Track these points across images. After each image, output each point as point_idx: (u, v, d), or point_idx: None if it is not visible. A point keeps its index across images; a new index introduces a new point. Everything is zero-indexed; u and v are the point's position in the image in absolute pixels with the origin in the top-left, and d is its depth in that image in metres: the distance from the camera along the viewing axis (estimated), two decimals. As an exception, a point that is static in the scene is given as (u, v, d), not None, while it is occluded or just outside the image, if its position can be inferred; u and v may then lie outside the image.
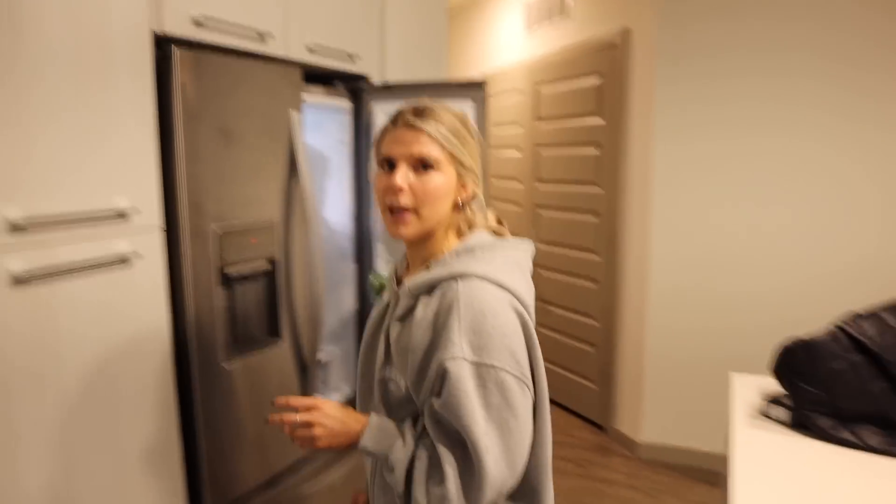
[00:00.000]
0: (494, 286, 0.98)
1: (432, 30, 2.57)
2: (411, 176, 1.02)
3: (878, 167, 2.75)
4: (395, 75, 2.28)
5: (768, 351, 1.77)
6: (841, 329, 1.62)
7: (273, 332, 1.77)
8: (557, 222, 3.89)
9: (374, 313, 1.18)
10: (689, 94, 3.02)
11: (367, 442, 1.00)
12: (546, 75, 3.91)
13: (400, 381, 1.02)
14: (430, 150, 1.03)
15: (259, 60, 1.66)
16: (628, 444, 3.41)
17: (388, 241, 2.19)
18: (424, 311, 1.00)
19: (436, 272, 1.02)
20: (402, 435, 1.00)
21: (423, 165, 1.02)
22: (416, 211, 1.03)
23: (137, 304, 1.39)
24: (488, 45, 4.84)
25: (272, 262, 1.72)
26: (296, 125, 1.73)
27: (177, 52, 1.40)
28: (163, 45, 1.42)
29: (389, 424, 1.03)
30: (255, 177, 1.65)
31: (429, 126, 1.03)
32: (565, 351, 3.89)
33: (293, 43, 1.83)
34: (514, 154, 4.32)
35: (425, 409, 0.98)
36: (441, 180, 1.03)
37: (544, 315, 4.08)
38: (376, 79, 2.24)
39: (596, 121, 3.51)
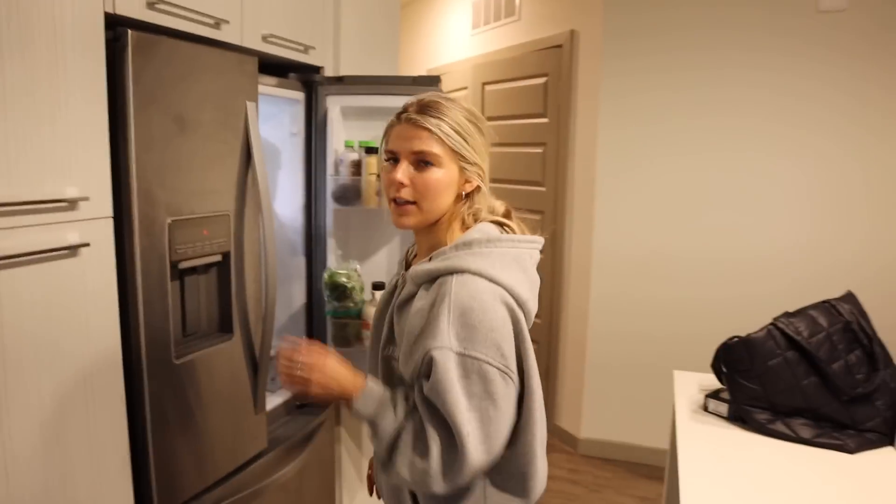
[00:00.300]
0: (487, 281, 1.03)
1: (385, 24, 2.56)
2: (412, 171, 1.09)
3: (815, 165, 2.89)
4: (349, 68, 2.26)
5: (706, 349, 1.85)
6: (776, 327, 1.71)
7: (225, 327, 1.73)
8: (502, 221, 3.94)
9: (383, 294, 1.25)
10: (632, 97, 3.11)
11: (359, 406, 1.07)
12: (492, 75, 3.95)
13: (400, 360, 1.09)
14: (430, 147, 1.07)
15: (214, 48, 1.62)
16: (569, 439, 3.49)
17: (339, 237, 2.17)
18: (422, 300, 1.07)
19: (435, 264, 1.08)
20: (394, 407, 1.06)
21: (422, 161, 1.08)
22: (417, 204, 1.09)
23: (86, 296, 1.33)
24: (435, 42, 4.85)
25: (224, 254, 1.68)
26: (252, 116, 1.70)
27: (131, 35, 1.35)
28: (115, 27, 1.37)
29: (384, 394, 1.08)
30: (209, 167, 1.61)
31: (429, 122, 1.07)
32: (507, 348, 3.95)
33: (248, 31, 1.79)
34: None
35: (416, 390, 1.05)
36: (440, 175, 1.09)
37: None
38: (330, 71, 2.22)
39: (541, 121, 3.57)
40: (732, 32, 2.91)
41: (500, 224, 1.17)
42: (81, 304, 1.33)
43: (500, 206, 1.21)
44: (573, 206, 3.40)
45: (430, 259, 1.10)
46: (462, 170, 1.11)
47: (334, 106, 2.10)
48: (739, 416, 1.71)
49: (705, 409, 1.80)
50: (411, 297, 1.11)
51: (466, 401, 0.99)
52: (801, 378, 1.65)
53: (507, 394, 1.02)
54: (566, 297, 3.49)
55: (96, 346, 1.37)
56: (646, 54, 3.06)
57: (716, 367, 1.80)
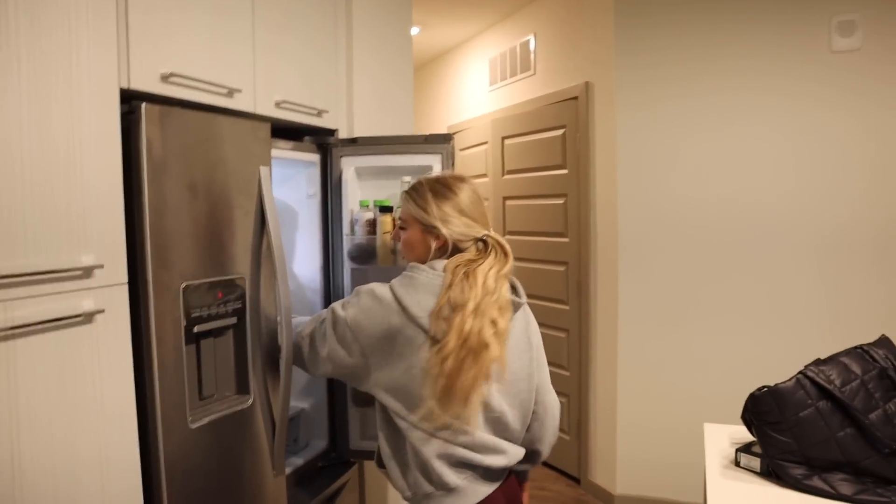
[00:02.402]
0: (387, 290, 1.44)
1: (398, 84, 2.62)
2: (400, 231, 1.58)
3: (830, 206, 2.83)
4: (363, 129, 2.31)
5: (738, 399, 1.79)
6: (806, 376, 1.64)
7: (242, 389, 1.72)
8: (526, 272, 3.92)
9: None
10: (649, 143, 3.11)
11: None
12: (511, 129, 4.00)
13: None
14: (402, 215, 1.57)
15: (228, 116, 1.67)
16: (605, 497, 3.37)
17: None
18: None
19: None
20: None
21: (400, 226, 1.57)
22: (403, 253, 1.59)
23: (100, 362, 1.34)
24: (454, 99, 4.94)
25: (240, 317, 1.69)
26: (265, 180, 1.73)
27: (144, 108, 1.40)
28: (130, 101, 1.42)
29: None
30: (223, 231, 1.63)
31: (403, 196, 1.57)
32: (537, 402, 3.86)
33: (261, 98, 1.84)
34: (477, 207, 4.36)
35: None
36: (406, 235, 1.54)
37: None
38: (344, 133, 2.26)
39: (561, 172, 3.58)
40: (744, 78, 2.91)
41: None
42: (96, 370, 1.34)
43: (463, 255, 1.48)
44: (597, 256, 3.37)
45: None
46: (423, 231, 1.50)
47: (349, 167, 2.14)
48: (773, 472, 1.63)
49: (737, 463, 1.72)
50: None
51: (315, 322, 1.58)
52: (836, 430, 1.57)
53: (330, 340, 1.50)
54: (594, 350, 3.42)
55: (111, 412, 1.37)
56: (660, 101, 3.07)
57: (746, 419, 1.73)
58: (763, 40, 2.88)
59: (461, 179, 1.54)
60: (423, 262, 1.48)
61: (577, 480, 3.63)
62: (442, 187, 1.50)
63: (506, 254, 1.47)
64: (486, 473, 1.43)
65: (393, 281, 1.46)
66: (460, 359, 1.32)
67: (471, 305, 1.35)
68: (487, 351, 1.34)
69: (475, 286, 1.38)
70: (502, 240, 1.50)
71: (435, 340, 1.35)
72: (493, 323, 1.36)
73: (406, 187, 1.98)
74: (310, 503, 1.97)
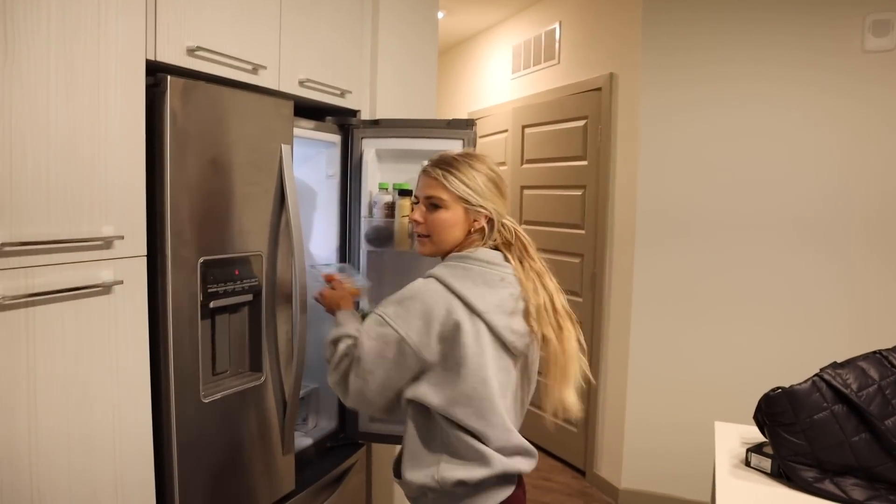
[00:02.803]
0: (441, 286, 1.32)
1: (422, 68, 2.60)
2: (426, 212, 1.43)
3: (859, 209, 2.80)
4: (385, 112, 2.30)
5: (750, 399, 1.77)
6: (822, 379, 1.62)
7: (255, 366, 1.73)
8: (541, 263, 3.90)
9: None
10: (672, 138, 3.07)
11: (338, 318, 1.53)
12: (532, 118, 3.97)
13: None
14: (439, 193, 1.40)
15: (251, 92, 1.67)
16: (610, 490, 3.37)
17: (372, 278, 2.17)
18: None
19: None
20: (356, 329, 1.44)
21: (433, 204, 1.41)
22: (430, 237, 1.43)
23: (117, 332, 1.35)
24: (476, 86, 4.91)
25: (256, 294, 1.70)
26: (286, 159, 1.73)
27: (170, 81, 1.40)
28: (155, 73, 1.42)
29: (352, 317, 1.53)
30: (243, 208, 1.64)
31: (437, 173, 1.40)
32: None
33: (285, 76, 1.84)
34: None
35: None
36: (446, 216, 1.40)
37: (526, 356, 4.05)
38: (366, 114, 2.25)
39: (581, 163, 3.55)
40: (774, 76, 2.87)
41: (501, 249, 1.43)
42: (112, 341, 1.35)
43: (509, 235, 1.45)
44: (612, 249, 3.35)
45: None
46: (467, 211, 1.40)
47: (369, 149, 2.13)
48: (784, 473, 1.62)
49: (747, 463, 1.71)
50: None
51: (368, 342, 1.35)
52: (851, 434, 1.55)
53: (388, 351, 1.33)
54: (605, 342, 3.41)
55: (126, 382, 1.38)
56: (685, 96, 3.03)
57: (758, 420, 1.72)
58: (794, 37, 2.83)
59: (485, 156, 1.49)
60: (457, 247, 1.42)
61: (582, 473, 3.63)
62: (477, 162, 1.43)
63: (524, 243, 1.47)
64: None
65: (449, 277, 1.33)
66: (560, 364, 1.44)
67: (558, 304, 1.43)
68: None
69: (548, 284, 1.43)
70: (520, 229, 1.48)
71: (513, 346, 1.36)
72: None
73: None
74: (317, 483, 1.99)
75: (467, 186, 1.38)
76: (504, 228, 1.43)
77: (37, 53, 1.17)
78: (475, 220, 1.41)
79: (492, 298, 1.32)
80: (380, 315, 1.34)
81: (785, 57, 2.85)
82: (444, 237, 1.41)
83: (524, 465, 1.40)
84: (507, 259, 1.41)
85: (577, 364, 1.45)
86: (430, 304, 1.30)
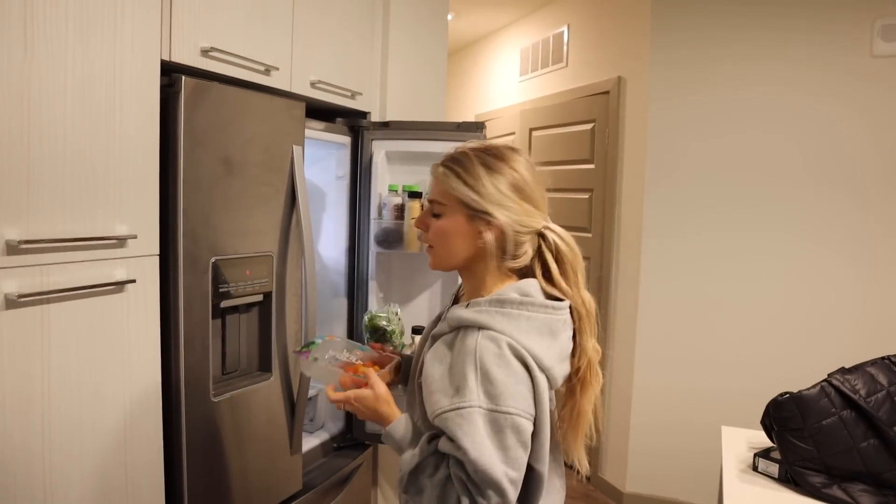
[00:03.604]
0: (504, 342, 1.02)
1: (432, 71, 2.61)
2: (431, 218, 1.14)
3: (871, 213, 2.79)
4: (395, 114, 2.30)
5: (756, 403, 1.77)
6: (831, 384, 1.62)
7: (264, 366, 1.74)
8: (547, 266, 3.90)
9: (430, 323, 1.26)
10: (680, 142, 3.07)
11: (390, 432, 1.12)
12: (540, 121, 3.97)
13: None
14: (437, 196, 1.12)
15: (263, 93, 1.68)
16: (614, 494, 3.37)
17: (381, 280, 2.18)
18: (451, 344, 1.08)
19: (469, 314, 1.07)
20: (418, 444, 1.07)
21: (434, 210, 1.13)
22: (431, 248, 1.15)
23: (129, 331, 1.36)
24: (483, 88, 4.92)
25: (266, 294, 1.71)
26: (298, 160, 1.74)
27: (184, 81, 1.41)
28: (170, 74, 1.43)
29: (409, 430, 1.12)
30: (254, 208, 1.65)
31: (438, 169, 1.12)
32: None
33: (297, 78, 1.85)
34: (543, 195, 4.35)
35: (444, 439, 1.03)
36: (443, 223, 1.12)
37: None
38: (376, 116, 2.26)
39: (588, 166, 3.56)
40: (782, 80, 2.86)
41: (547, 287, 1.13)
42: (125, 339, 1.36)
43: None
44: (619, 252, 3.35)
45: (467, 306, 1.09)
46: (471, 218, 1.09)
47: (379, 150, 2.14)
48: (792, 478, 1.62)
49: (755, 468, 1.71)
50: (443, 334, 1.11)
51: (502, 454, 0.99)
52: (860, 440, 1.55)
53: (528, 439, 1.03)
54: (611, 346, 3.41)
55: (137, 379, 1.39)
56: (693, 100, 3.03)
57: (765, 424, 1.72)
58: (803, 42, 2.82)
59: (514, 150, 1.15)
60: (464, 261, 1.13)
61: (586, 476, 3.63)
62: (494, 159, 1.11)
63: (573, 252, 1.14)
64: None
65: (516, 333, 1.04)
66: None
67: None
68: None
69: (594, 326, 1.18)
70: (565, 233, 1.16)
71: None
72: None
73: None
74: (324, 483, 1.99)
75: (468, 186, 1.08)
76: (544, 241, 1.13)
77: (55, 53, 1.18)
78: (481, 231, 1.09)
79: (556, 349, 1.09)
80: (485, 412, 1.00)
81: (793, 62, 2.85)
82: (445, 249, 1.13)
83: None
84: (552, 290, 1.12)
85: (589, 420, 1.20)
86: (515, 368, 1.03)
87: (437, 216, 1.13)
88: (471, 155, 1.11)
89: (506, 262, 1.12)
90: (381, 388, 1.14)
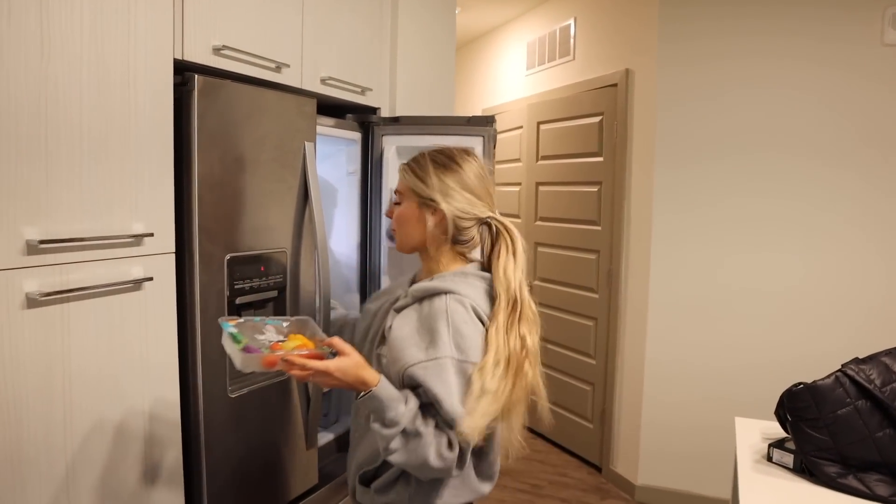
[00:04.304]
0: (468, 304, 1.24)
1: (441, 65, 2.61)
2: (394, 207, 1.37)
3: (873, 210, 2.78)
4: (405, 109, 2.31)
5: (767, 393, 1.77)
6: (845, 374, 1.62)
7: (279, 361, 1.75)
8: (556, 260, 3.91)
9: (380, 300, 1.47)
10: (688, 135, 3.06)
11: (378, 393, 1.16)
12: (547, 114, 3.97)
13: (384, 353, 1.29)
14: (398, 188, 1.37)
15: (275, 90, 1.68)
16: (626, 486, 3.38)
17: (393, 275, 2.18)
18: (419, 310, 1.28)
19: (432, 284, 1.29)
20: (406, 400, 1.18)
21: (395, 200, 1.38)
22: (395, 231, 1.38)
23: (147, 328, 1.38)
24: (490, 82, 4.91)
25: (280, 290, 1.72)
26: (310, 156, 1.74)
27: (197, 80, 1.42)
28: (182, 73, 1.43)
29: (393, 390, 1.19)
30: (267, 205, 1.66)
31: (401, 167, 1.37)
32: (563, 389, 3.87)
33: (308, 74, 1.85)
34: (514, 191, 4.36)
35: (422, 396, 1.19)
36: (401, 210, 1.36)
37: (542, 353, 4.05)
38: (386, 112, 2.27)
39: (596, 159, 3.55)
40: (792, 70, 2.85)
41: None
42: (143, 337, 1.37)
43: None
44: (629, 245, 3.35)
45: (431, 279, 1.31)
46: (420, 205, 1.32)
47: (390, 146, 2.14)
48: (807, 468, 1.62)
49: (769, 459, 1.71)
50: (405, 307, 1.31)
51: (464, 400, 1.17)
52: (875, 430, 1.55)
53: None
54: (622, 337, 3.41)
55: (155, 376, 1.41)
56: (701, 92, 3.02)
57: (780, 415, 1.72)
58: (812, 31, 2.81)
59: (467, 153, 1.37)
60: (418, 243, 1.34)
61: (598, 468, 3.63)
62: (445, 158, 1.34)
63: (512, 240, 1.31)
64: None
65: (477, 299, 1.26)
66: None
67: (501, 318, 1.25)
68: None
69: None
70: (509, 223, 1.34)
71: None
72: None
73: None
74: (339, 477, 2.00)
75: (418, 178, 1.32)
76: (489, 228, 1.33)
77: (70, 54, 1.19)
78: (432, 215, 1.31)
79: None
80: (455, 361, 1.18)
81: (803, 51, 2.83)
82: (403, 232, 1.35)
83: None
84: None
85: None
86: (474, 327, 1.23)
87: (397, 205, 1.37)
88: (426, 155, 1.36)
89: (456, 246, 1.35)
90: (356, 353, 1.19)
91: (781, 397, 1.69)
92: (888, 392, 1.56)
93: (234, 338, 1.21)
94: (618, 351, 3.45)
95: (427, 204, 1.31)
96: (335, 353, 1.17)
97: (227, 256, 1.55)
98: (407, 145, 2.16)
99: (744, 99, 2.95)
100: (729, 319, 3.05)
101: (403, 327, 1.26)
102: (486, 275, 1.32)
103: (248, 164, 1.59)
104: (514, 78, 4.55)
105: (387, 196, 2.14)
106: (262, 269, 1.65)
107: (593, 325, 3.63)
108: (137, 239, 1.35)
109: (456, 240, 1.33)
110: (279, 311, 1.74)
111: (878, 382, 1.58)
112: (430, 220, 1.31)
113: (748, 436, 1.88)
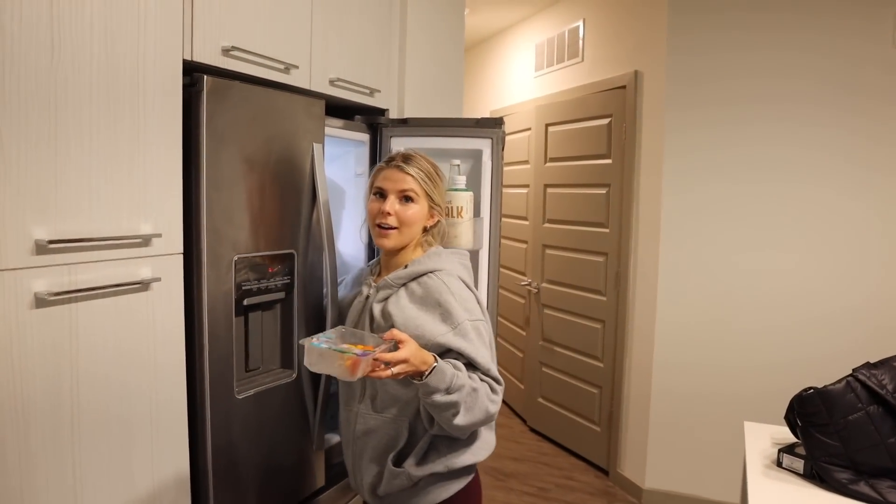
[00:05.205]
0: (455, 275, 1.50)
1: (450, 67, 2.61)
2: (397, 204, 1.51)
3: (885, 209, 2.76)
4: (413, 111, 2.30)
5: (775, 397, 1.76)
6: (857, 379, 1.60)
7: (286, 363, 1.75)
8: (564, 262, 3.90)
9: (355, 305, 1.61)
10: (697, 137, 3.05)
11: (441, 366, 1.34)
12: (556, 116, 3.96)
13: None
14: (412, 187, 1.52)
15: (284, 91, 1.68)
16: (633, 490, 3.36)
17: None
18: (410, 293, 1.49)
19: (414, 268, 1.51)
20: (456, 367, 1.38)
21: (405, 198, 1.52)
22: (398, 229, 1.52)
23: (155, 329, 1.38)
24: (499, 84, 4.91)
25: (288, 291, 1.72)
26: (318, 157, 1.74)
27: (206, 80, 1.42)
28: (192, 73, 1.43)
29: (445, 363, 1.36)
30: (275, 206, 1.65)
31: (412, 170, 1.52)
32: (570, 392, 3.86)
33: (316, 76, 1.85)
34: (521, 193, 4.35)
35: (453, 354, 1.42)
36: (416, 209, 1.53)
37: (549, 355, 4.05)
38: (394, 113, 2.26)
39: (605, 162, 3.54)
40: (803, 69, 2.83)
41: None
42: (150, 337, 1.37)
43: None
44: (637, 248, 3.33)
45: (406, 267, 1.53)
46: (430, 207, 1.56)
47: (398, 147, 2.14)
48: (817, 474, 1.61)
49: (779, 464, 1.70)
50: (389, 296, 1.52)
51: (487, 352, 1.45)
52: (887, 436, 1.54)
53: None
54: (630, 341, 3.39)
55: (163, 377, 1.41)
56: (711, 94, 3.01)
57: (790, 420, 1.71)
58: (822, 33, 2.79)
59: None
60: (411, 242, 1.56)
61: (605, 472, 3.62)
62: (437, 168, 1.60)
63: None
64: None
65: (457, 270, 1.53)
66: None
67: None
68: None
69: None
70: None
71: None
72: None
73: (456, 170, 1.99)
74: (346, 479, 2.00)
75: (432, 183, 1.55)
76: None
77: (81, 55, 1.19)
78: (431, 217, 1.57)
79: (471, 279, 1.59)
80: (471, 322, 1.44)
81: (812, 53, 2.82)
82: (413, 230, 1.54)
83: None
84: None
85: None
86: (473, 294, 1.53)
87: (406, 203, 1.52)
88: (427, 161, 1.58)
89: (427, 242, 1.60)
90: (411, 338, 1.34)
91: (792, 402, 1.68)
92: (900, 397, 1.54)
93: (340, 352, 1.29)
94: (626, 354, 3.43)
95: (433, 207, 1.56)
96: (397, 345, 1.31)
97: (235, 257, 1.54)
98: (415, 147, 2.15)
99: (755, 102, 2.93)
100: (738, 322, 3.03)
101: (404, 310, 1.47)
102: (455, 249, 1.68)
103: (256, 165, 1.58)
104: (522, 79, 4.54)
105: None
106: (270, 270, 1.65)
107: (601, 327, 3.61)
108: (146, 239, 1.35)
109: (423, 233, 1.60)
110: (287, 312, 1.73)
111: (889, 387, 1.56)
112: (430, 221, 1.58)
113: (758, 440, 1.86)
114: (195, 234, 1.46)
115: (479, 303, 1.51)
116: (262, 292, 1.64)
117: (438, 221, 1.60)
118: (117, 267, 1.30)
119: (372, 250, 2.20)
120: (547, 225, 4.05)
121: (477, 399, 1.37)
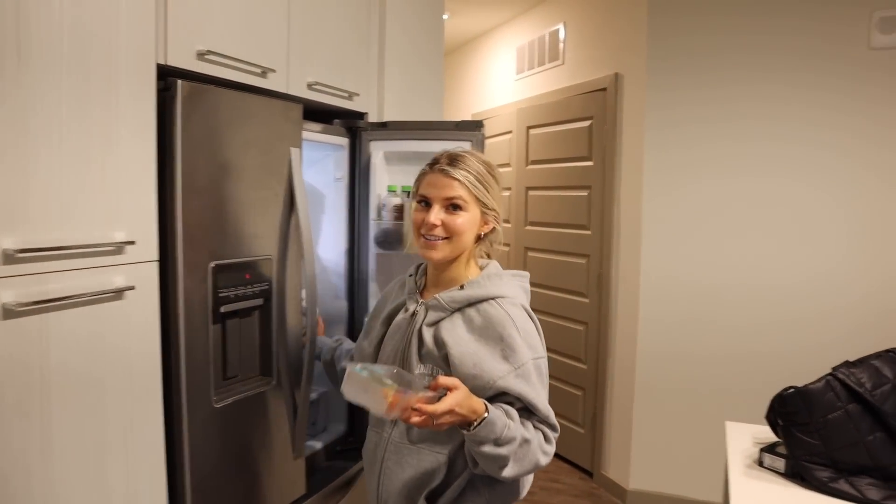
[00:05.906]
0: (519, 304, 1.34)
1: (429, 70, 2.60)
2: (443, 213, 1.32)
3: (866, 205, 2.79)
4: (393, 114, 2.29)
5: (758, 396, 1.76)
6: (836, 378, 1.61)
7: (265, 371, 1.73)
8: (546, 264, 3.90)
9: (398, 321, 1.41)
10: (677, 137, 3.07)
11: (492, 417, 1.21)
12: (537, 119, 3.97)
13: (435, 371, 1.31)
14: (460, 194, 1.31)
15: (260, 95, 1.66)
16: (617, 491, 3.36)
17: (381, 281, 2.17)
18: (468, 321, 1.31)
19: (472, 291, 1.33)
20: (507, 413, 1.25)
21: (452, 206, 1.32)
22: (448, 240, 1.32)
23: (129, 338, 1.35)
24: (480, 87, 4.91)
25: (266, 298, 1.70)
26: (295, 162, 1.72)
27: (180, 85, 1.40)
28: (166, 77, 1.41)
29: (497, 409, 1.24)
30: (252, 212, 1.63)
31: (459, 174, 1.31)
32: (554, 395, 3.84)
33: (294, 79, 1.83)
34: (503, 196, 4.34)
35: (511, 397, 1.27)
36: (466, 218, 1.32)
37: (532, 357, 4.04)
38: (374, 117, 2.25)
39: (586, 164, 3.55)
40: (779, 72, 2.86)
41: None
42: (125, 347, 1.35)
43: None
44: (619, 249, 3.34)
45: (461, 288, 1.35)
46: (483, 213, 1.35)
47: (377, 151, 2.13)
48: (798, 473, 1.61)
49: (760, 463, 1.71)
50: (441, 320, 1.34)
51: (545, 394, 1.33)
52: (866, 433, 1.55)
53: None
54: (612, 342, 3.40)
55: (139, 387, 1.38)
56: (690, 96, 3.02)
57: (771, 419, 1.71)
58: (800, 35, 2.82)
59: (487, 159, 1.42)
60: (463, 252, 1.36)
61: (589, 474, 3.62)
62: (489, 167, 1.37)
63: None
64: None
65: (520, 297, 1.37)
66: None
67: None
68: None
69: None
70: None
71: None
72: None
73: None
74: (327, 486, 1.98)
75: (484, 187, 1.34)
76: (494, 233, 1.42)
77: (49, 60, 1.17)
78: (485, 224, 1.37)
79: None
80: (534, 362, 1.30)
81: (790, 55, 2.84)
82: (464, 240, 1.33)
83: None
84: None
85: None
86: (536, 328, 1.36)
87: (454, 211, 1.32)
88: (479, 162, 1.35)
89: (484, 251, 1.43)
90: (462, 384, 1.21)
91: (772, 402, 1.69)
92: (878, 395, 1.56)
93: (380, 382, 1.18)
94: (609, 355, 3.44)
95: (487, 212, 1.36)
96: (445, 393, 1.18)
97: (212, 264, 1.52)
98: (395, 150, 2.14)
99: (734, 102, 2.95)
100: (720, 324, 3.04)
101: (461, 343, 1.29)
102: (515, 272, 1.45)
103: (232, 170, 1.56)
104: (503, 82, 4.55)
105: (374, 202, 2.12)
106: (248, 276, 1.63)
107: (584, 329, 3.62)
108: (119, 247, 1.32)
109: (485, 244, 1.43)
110: (265, 319, 1.71)
111: (868, 386, 1.57)
112: (484, 228, 1.38)
113: (739, 440, 1.87)
114: (170, 241, 1.44)
115: (539, 334, 1.35)
116: (239, 299, 1.62)
117: (494, 228, 1.39)
118: (90, 276, 1.27)
119: (352, 257, 2.19)
120: (529, 227, 4.05)
121: (528, 451, 1.25)
